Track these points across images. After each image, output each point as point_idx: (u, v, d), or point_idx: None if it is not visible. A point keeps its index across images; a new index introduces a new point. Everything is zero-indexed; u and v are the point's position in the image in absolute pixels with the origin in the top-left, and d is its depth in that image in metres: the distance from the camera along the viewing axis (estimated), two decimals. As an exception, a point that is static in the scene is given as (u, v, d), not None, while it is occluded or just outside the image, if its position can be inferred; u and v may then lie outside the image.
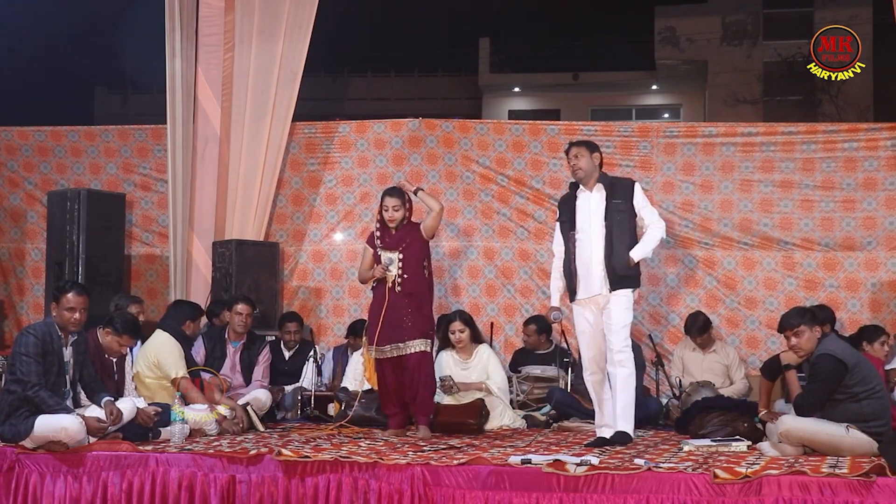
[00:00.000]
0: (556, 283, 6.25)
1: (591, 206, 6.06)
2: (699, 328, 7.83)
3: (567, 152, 6.21)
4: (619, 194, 6.04)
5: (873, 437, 5.30)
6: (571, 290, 6.10)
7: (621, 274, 5.93)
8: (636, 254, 5.97)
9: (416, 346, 6.53)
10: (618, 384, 5.89)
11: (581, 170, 6.09)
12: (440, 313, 8.35)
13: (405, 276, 6.58)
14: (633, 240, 6.02)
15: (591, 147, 6.16)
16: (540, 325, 8.11)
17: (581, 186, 6.13)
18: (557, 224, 6.30)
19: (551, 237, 8.67)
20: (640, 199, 6.08)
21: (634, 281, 6.07)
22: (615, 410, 5.90)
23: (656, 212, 6.16)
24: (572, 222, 6.12)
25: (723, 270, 8.49)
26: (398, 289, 6.56)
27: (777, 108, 20.07)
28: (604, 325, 5.98)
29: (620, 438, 5.74)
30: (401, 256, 6.60)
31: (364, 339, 6.86)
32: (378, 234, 6.72)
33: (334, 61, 23.32)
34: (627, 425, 5.85)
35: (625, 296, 5.96)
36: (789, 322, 5.72)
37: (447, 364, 7.30)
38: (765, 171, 8.53)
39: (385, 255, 6.64)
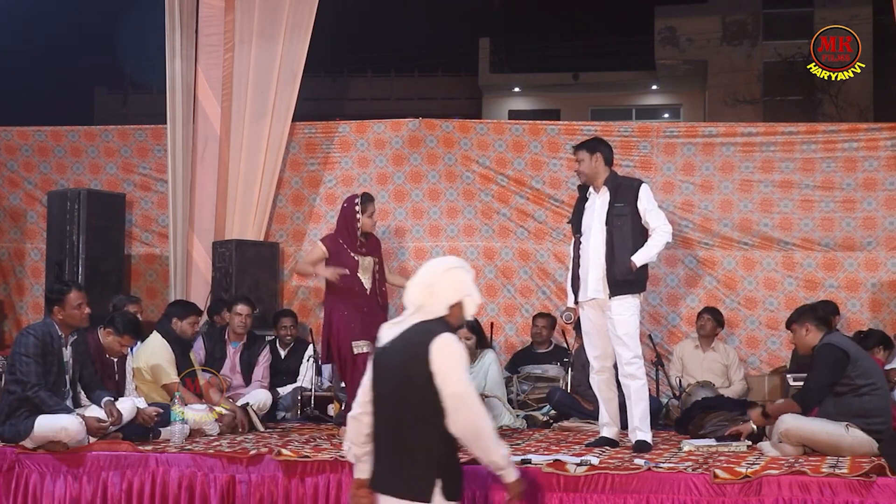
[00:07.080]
0: (570, 284, 6.12)
1: (595, 208, 5.90)
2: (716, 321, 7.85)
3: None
4: (622, 197, 5.83)
5: (873, 435, 5.32)
6: (574, 291, 6.02)
7: (620, 279, 5.75)
8: (638, 259, 5.76)
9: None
10: (632, 395, 5.80)
11: (582, 173, 5.99)
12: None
13: (383, 288, 6.60)
14: (639, 244, 5.81)
15: (592, 148, 5.96)
16: (551, 321, 8.13)
17: (591, 188, 5.99)
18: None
19: (551, 237, 8.74)
20: (645, 203, 5.83)
21: (638, 286, 5.87)
22: (633, 421, 5.80)
23: (663, 215, 5.92)
24: (578, 225, 6.01)
25: (723, 270, 8.48)
26: (380, 300, 6.56)
27: (777, 108, 20.07)
28: (610, 335, 5.85)
29: (641, 447, 5.66)
30: (377, 267, 6.59)
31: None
32: (345, 240, 6.51)
33: (334, 61, 23.30)
34: (646, 434, 5.78)
35: (627, 302, 5.78)
36: (796, 317, 5.85)
37: None
38: (765, 171, 8.52)
39: (365, 260, 6.51)
